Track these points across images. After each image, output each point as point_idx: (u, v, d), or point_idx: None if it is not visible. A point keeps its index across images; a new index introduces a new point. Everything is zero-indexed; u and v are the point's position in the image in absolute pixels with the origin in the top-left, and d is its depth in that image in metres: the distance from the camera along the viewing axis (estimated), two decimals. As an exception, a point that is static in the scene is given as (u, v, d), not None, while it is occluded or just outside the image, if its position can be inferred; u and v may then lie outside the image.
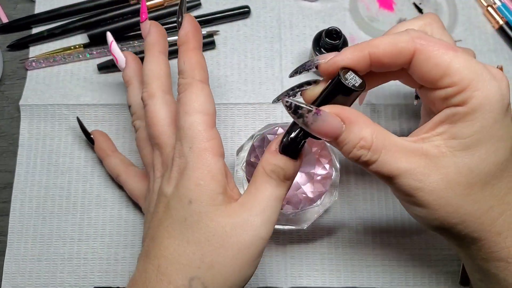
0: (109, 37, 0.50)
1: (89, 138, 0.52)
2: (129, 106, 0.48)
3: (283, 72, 0.56)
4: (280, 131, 0.47)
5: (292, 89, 0.39)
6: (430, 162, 0.34)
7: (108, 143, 0.52)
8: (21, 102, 0.55)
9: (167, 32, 0.57)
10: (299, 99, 0.37)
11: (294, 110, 0.34)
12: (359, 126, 0.35)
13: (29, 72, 0.57)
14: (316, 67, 0.38)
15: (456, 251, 0.40)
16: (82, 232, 0.52)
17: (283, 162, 0.37)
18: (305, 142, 0.37)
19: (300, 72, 0.40)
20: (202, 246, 0.36)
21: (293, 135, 0.36)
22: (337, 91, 0.36)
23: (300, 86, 0.40)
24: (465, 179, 0.34)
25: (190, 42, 0.41)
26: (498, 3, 0.58)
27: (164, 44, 0.46)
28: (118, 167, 0.51)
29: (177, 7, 0.57)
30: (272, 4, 0.59)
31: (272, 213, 0.37)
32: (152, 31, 0.45)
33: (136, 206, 0.52)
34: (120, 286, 0.50)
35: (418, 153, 0.35)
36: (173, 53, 0.55)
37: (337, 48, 0.52)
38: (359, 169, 0.53)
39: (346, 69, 0.36)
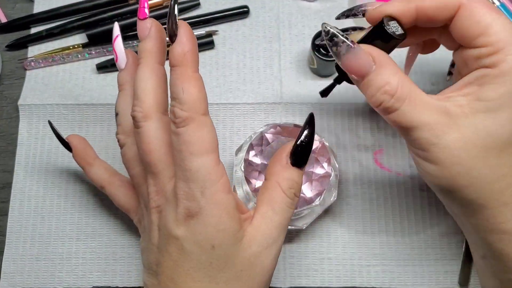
0: (116, 30, 0.42)
1: (65, 145, 0.47)
2: (116, 114, 0.42)
3: (282, 72, 0.56)
4: (279, 129, 0.47)
5: (337, 32, 0.36)
6: (450, 119, 0.34)
7: (87, 150, 0.47)
8: (19, 102, 0.55)
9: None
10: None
11: (330, 36, 0.35)
12: (388, 70, 0.35)
13: (27, 72, 0.57)
14: (363, 14, 0.39)
15: (459, 222, 0.39)
16: (81, 232, 0.51)
17: (296, 175, 0.38)
18: (312, 148, 0.38)
19: (347, 16, 0.40)
20: (232, 284, 0.36)
21: (305, 136, 0.37)
22: (377, 36, 0.37)
23: (345, 30, 0.40)
24: (482, 141, 0.34)
25: (189, 65, 0.35)
26: (497, 3, 0.58)
27: (164, 53, 0.40)
28: (101, 177, 0.45)
29: (178, 6, 0.57)
30: (271, 4, 0.59)
31: (285, 232, 0.38)
32: (152, 35, 0.39)
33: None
34: (119, 286, 0.49)
35: (440, 110, 0.34)
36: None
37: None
38: (358, 169, 0.53)
39: (391, 18, 0.37)
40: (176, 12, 0.35)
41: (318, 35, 0.53)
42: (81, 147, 0.46)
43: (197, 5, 0.59)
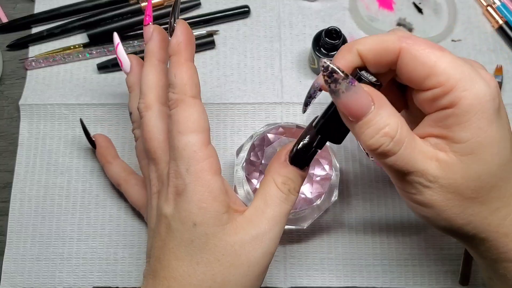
0: (116, 38, 0.47)
1: (91, 142, 0.51)
2: (130, 113, 0.46)
3: (283, 72, 0.56)
4: (281, 130, 0.46)
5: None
6: (440, 166, 0.33)
7: (110, 149, 0.51)
8: (20, 102, 0.55)
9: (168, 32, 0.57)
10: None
11: (329, 73, 0.32)
12: (387, 112, 0.33)
13: (28, 72, 0.56)
14: (320, 90, 0.38)
15: (467, 249, 0.39)
16: (81, 232, 0.51)
17: (293, 174, 0.37)
18: (317, 151, 0.37)
19: (309, 103, 0.39)
20: (212, 266, 0.35)
21: (306, 141, 0.36)
22: None
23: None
24: (473, 183, 0.33)
25: (182, 54, 0.38)
26: (498, 3, 0.58)
27: (165, 52, 0.43)
28: (119, 175, 0.49)
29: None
30: (272, 4, 0.59)
31: (280, 228, 0.37)
32: (154, 37, 0.43)
33: (136, 206, 0.51)
34: (119, 286, 0.49)
35: (431, 155, 0.33)
36: None
37: (336, 48, 0.52)
38: (358, 169, 0.53)
39: (361, 69, 0.35)
40: (177, 13, 0.40)
41: (319, 34, 0.53)
42: (104, 146, 0.50)
43: (198, 5, 0.59)
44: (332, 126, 0.36)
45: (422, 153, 0.33)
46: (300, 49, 0.57)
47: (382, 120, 0.32)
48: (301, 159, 0.37)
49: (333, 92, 0.32)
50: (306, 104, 0.39)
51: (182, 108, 0.37)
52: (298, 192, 0.38)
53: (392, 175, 0.35)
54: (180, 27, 0.38)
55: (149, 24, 0.43)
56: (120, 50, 0.46)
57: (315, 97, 0.39)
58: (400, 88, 0.38)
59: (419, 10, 0.58)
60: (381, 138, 0.32)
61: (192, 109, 0.37)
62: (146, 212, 0.43)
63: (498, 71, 0.55)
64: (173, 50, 0.38)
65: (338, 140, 0.37)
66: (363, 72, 0.35)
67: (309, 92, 0.38)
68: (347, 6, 0.59)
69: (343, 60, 0.35)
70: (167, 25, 0.56)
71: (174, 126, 0.36)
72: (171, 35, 0.39)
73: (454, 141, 0.33)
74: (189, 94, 0.37)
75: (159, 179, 0.39)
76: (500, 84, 0.54)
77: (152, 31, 0.43)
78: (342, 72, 0.32)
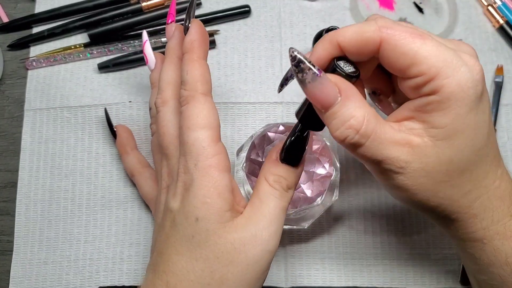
0: (145, 36, 0.47)
1: (112, 132, 0.51)
2: (150, 108, 0.46)
3: (284, 72, 0.55)
4: (282, 128, 0.46)
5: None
6: (413, 151, 0.33)
7: (129, 140, 0.51)
8: (26, 107, 0.54)
9: None
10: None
11: (296, 62, 0.32)
12: (354, 103, 0.33)
13: (29, 72, 0.55)
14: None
15: (440, 228, 0.40)
16: (88, 234, 0.51)
17: (284, 171, 0.37)
18: (305, 148, 0.37)
19: (285, 84, 0.39)
20: (211, 263, 0.35)
21: (293, 139, 0.37)
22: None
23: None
24: (445, 167, 0.33)
25: (195, 52, 0.38)
26: (499, 3, 0.57)
27: None
28: (134, 166, 0.49)
29: (177, 7, 0.56)
30: (273, 3, 0.57)
31: (278, 225, 0.37)
32: (175, 35, 0.43)
33: (141, 206, 0.51)
34: (125, 285, 0.49)
35: (403, 142, 0.33)
36: None
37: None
38: (359, 168, 0.52)
39: (341, 58, 0.35)
40: (192, 13, 0.40)
41: (319, 34, 0.52)
42: (124, 136, 0.51)
43: (199, 4, 0.57)
44: (311, 115, 0.35)
45: (394, 141, 0.33)
46: (301, 48, 0.56)
47: (347, 112, 0.32)
48: (291, 156, 0.37)
49: (300, 82, 0.33)
50: (282, 85, 0.39)
51: (193, 104, 0.37)
52: (293, 188, 0.38)
53: (364, 163, 0.36)
54: (195, 25, 0.39)
55: (171, 22, 0.44)
56: (147, 47, 0.46)
57: (292, 79, 0.38)
58: (387, 73, 0.37)
59: (420, 10, 0.57)
60: (346, 130, 0.33)
61: (202, 106, 0.37)
62: (155, 206, 0.43)
63: (499, 71, 0.54)
64: (186, 48, 0.39)
65: (318, 127, 0.36)
66: (341, 62, 0.34)
67: (286, 74, 0.38)
68: (348, 6, 0.58)
69: (323, 50, 0.35)
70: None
71: (184, 122, 0.36)
72: (185, 33, 0.39)
73: (432, 126, 0.33)
74: (200, 91, 0.37)
75: (170, 175, 0.39)
76: (500, 84, 0.53)
77: (173, 29, 0.43)
78: (309, 62, 0.32)
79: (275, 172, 0.37)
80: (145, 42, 0.46)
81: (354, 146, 0.33)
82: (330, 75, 0.33)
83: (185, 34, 0.39)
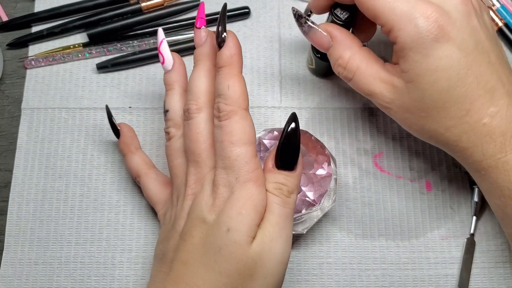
0: (161, 34, 0.44)
1: (115, 131, 0.47)
2: (166, 111, 0.43)
3: (282, 72, 0.53)
4: (276, 133, 0.44)
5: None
6: (394, 90, 0.39)
7: (133, 139, 0.48)
8: (23, 106, 0.52)
9: (167, 32, 0.55)
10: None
11: (297, 18, 0.41)
12: (342, 46, 0.40)
13: (28, 71, 0.53)
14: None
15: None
16: (79, 236, 0.48)
17: (282, 177, 0.37)
18: (299, 149, 0.37)
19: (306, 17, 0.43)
20: (234, 279, 0.35)
21: (284, 143, 0.36)
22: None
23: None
24: (419, 104, 0.38)
25: (235, 66, 0.38)
26: (497, 5, 0.54)
27: (215, 58, 0.41)
28: (140, 167, 0.46)
29: (177, 7, 0.55)
30: (272, 4, 0.55)
31: (287, 234, 0.37)
32: (209, 41, 0.41)
33: (133, 210, 0.49)
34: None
35: (387, 81, 0.39)
36: (183, 51, 0.53)
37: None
38: (357, 173, 0.50)
39: (337, 5, 0.42)
40: (225, 22, 0.39)
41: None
42: (129, 135, 0.48)
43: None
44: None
45: (379, 78, 0.40)
46: (300, 50, 0.54)
47: (336, 52, 0.41)
48: (286, 160, 0.37)
49: (302, 31, 0.42)
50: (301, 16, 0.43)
51: (235, 119, 0.37)
52: (295, 192, 0.38)
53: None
54: (232, 38, 0.39)
55: (202, 27, 0.42)
56: (164, 47, 0.43)
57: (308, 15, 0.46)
58: None
59: (420, 12, 0.55)
60: (337, 67, 0.41)
61: (246, 122, 0.37)
62: (164, 209, 0.43)
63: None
64: (226, 61, 0.38)
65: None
66: (338, 10, 0.42)
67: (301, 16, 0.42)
68: (347, 7, 0.55)
69: (321, 1, 0.43)
70: (166, 25, 0.54)
71: (226, 137, 0.36)
72: (219, 45, 0.38)
73: (402, 70, 0.38)
74: (242, 106, 0.37)
75: (198, 182, 0.38)
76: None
77: (206, 35, 0.42)
78: (304, 17, 0.41)
79: (274, 180, 0.37)
80: (162, 41, 0.43)
81: (346, 79, 0.41)
82: (326, 24, 0.41)
83: (219, 44, 0.38)
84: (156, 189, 0.45)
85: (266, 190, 0.37)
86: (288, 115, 0.50)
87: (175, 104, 0.42)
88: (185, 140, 0.40)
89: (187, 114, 0.40)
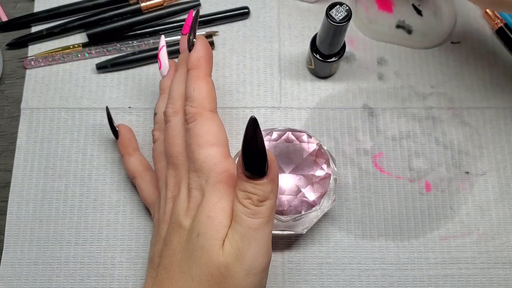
0: (162, 41, 0.45)
1: (114, 131, 0.47)
2: (155, 114, 0.44)
3: (282, 73, 0.53)
4: (275, 135, 0.43)
5: None
6: None
7: (132, 141, 0.47)
8: (22, 106, 0.52)
9: (166, 32, 0.54)
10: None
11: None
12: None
13: (28, 71, 0.53)
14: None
15: None
16: (79, 236, 0.48)
17: (251, 185, 0.34)
18: (265, 154, 0.33)
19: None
20: (203, 285, 0.34)
21: (244, 149, 0.32)
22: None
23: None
24: None
25: (201, 69, 0.38)
26: (498, 6, 0.54)
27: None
28: (136, 168, 0.46)
29: (177, 7, 0.54)
30: (272, 4, 0.55)
31: (260, 245, 0.34)
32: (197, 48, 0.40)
33: (133, 210, 0.48)
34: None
35: None
36: (174, 53, 0.52)
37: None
38: (357, 173, 0.49)
39: (334, 4, 0.42)
40: (196, 27, 0.40)
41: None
42: (127, 137, 0.47)
43: (198, 5, 0.55)
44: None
45: None
46: (299, 50, 0.53)
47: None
48: (253, 167, 0.33)
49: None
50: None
51: (201, 121, 0.36)
52: (270, 199, 0.34)
53: None
54: (201, 42, 0.39)
55: (187, 34, 0.42)
56: (163, 53, 0.44)
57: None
58: None
59: (419, 12, 0.54)
60: None
61: (211, 123, 0.36)
62: (154, 213, 0.42)
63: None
64: (193, 64, 0.38)
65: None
66: (333, 11, 0.42)
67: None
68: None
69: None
70: (166, 25, 0.53)
71: (194, 140, 0.36)
72: (189, 49, 0.39)
73: None
74: (207, 108, 0.37)
75: (177, 185, 0.38)
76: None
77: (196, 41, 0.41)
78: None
79: (242, 188, 0.34)
80: (162, 47, 0.44)
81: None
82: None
83: (189, 47, 0.39)
84: (150, 191, 0.44)
85: (236, 199, 0.34)
86: (288, 115, 0.50)
87: (162, 108, 0.43)
88: (164, 143, 0.40)
89: (165, 118, 0.40)
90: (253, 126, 0.32)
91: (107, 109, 0.47)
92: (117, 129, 0.47)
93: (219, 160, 0.35)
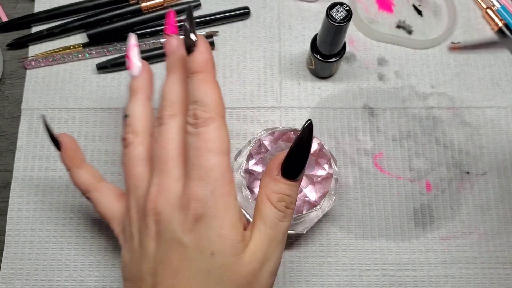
0: (132, 40, 0.40)
1: (55, 143, 0.41)
2: (125, 116, 0.39)
3: (282, 73, 0.52)
4: (277, 134, 0.43)
5: None
6: None
7: (78, 152, 0.41)
8: (23, 106, 0.51)
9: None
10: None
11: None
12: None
13: (28, 71, 0.53)
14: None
15: None
16: (80, 236, 0.48)
17: (287, 188, 0.34)
18: (307, 159, 0.33)
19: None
20: None
21: (295, 151, 0.33)
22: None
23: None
24: None
25: (210, 72, 0.35)
26: (497, 5, 0.54)
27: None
28: (89, 182, 0.40)
29: (177, 7, 0.54)
30: (272, 4, 0.55)
31: (282, 247, 0.35)
32: (183, 51, 0.38)
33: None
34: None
35: None
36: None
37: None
38: (358, 173, 0.49)
39: (335, 4, 0.42)
40: (194, 25, 0.36)
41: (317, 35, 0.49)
42: (72, 148, 0.41)
43: (198, 6, 0.55)
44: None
45: None
46: (299, 50, 0.53)
47: None
48: (293, 170, 0.33)
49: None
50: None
51: (214, 126, 0.33)
52: (294, 204, 0.35)
53: None
54: (204, 43, 0.35)
55: (172, 34, 0.39)
56: (134, 53, 0.40)
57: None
58: None
59: (419, 12, 0.54)
60: None
61: (223, 130, 0.34)
62: (122, 227, 0.38)
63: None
64: (201, 67, 0.35)
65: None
66: (333, 11, 0.42)
67: None
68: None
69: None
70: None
71: (204, 144, 0.33)
72: (188, 49, 0.35)
73: None
74: (220, 114, 0.34)
75: (161, 194, 0.34)
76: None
77: (177, 43, 0.38)
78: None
79: (278, 190, 0.34)
80: (132, 46, 0.40)
81: None
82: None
83: (189, 51, 0.35)
84: (110, 203, 0.39)
85: (268, 201, 0.34)
86: (288, 115, 0.49)
87: (137, 110, 0.39)
88: (153, 147, 0.36)
89: (160, 120, 0.36)
90: (310, 129, 0.33)
91: (43, 118, 0.42)
92: (58, 139, 0.41)
93: (227, 170, 0.33)
